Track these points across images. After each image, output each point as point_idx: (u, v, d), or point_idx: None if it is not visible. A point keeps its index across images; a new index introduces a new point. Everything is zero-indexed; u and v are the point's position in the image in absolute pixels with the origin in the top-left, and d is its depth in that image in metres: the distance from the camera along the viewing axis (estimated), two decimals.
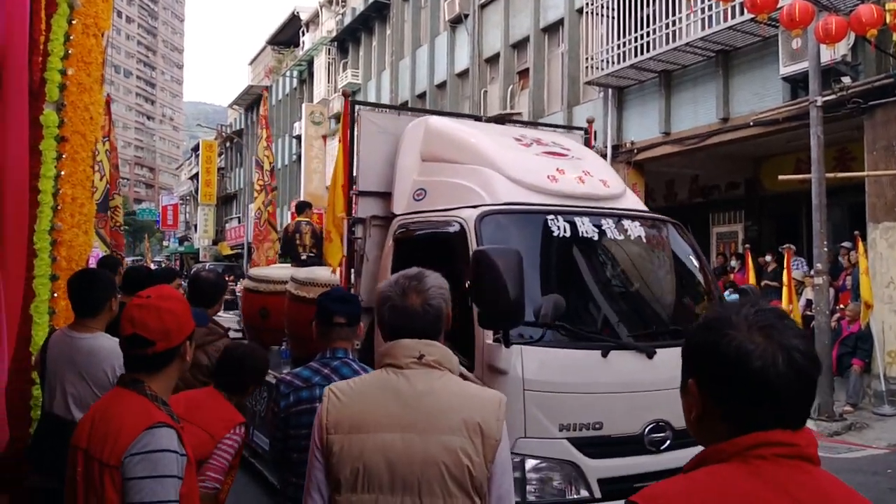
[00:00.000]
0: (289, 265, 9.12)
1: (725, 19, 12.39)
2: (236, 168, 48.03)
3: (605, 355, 3.97)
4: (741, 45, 12.90)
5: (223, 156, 50.46)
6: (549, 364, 3.91)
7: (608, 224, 4.55)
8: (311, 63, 34.92)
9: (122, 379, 2.27)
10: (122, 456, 2.03)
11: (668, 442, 4.03)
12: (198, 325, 2.38)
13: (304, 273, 6.51)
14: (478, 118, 7.99)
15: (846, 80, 10.73)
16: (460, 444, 1.98)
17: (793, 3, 9.15)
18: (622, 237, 4.58)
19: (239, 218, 46.04)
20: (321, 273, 6.32)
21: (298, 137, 33.43)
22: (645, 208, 5.33)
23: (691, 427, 1.39)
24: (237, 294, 32.47)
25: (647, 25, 14.07)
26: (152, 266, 28.83)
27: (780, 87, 12.20)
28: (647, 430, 3.99)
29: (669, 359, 3.94)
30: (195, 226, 53.64)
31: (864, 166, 11.04)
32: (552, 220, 4.39)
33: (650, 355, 4.05)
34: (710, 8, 12.74)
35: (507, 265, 3.59)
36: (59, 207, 4.22)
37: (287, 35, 41.21)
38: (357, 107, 5.75)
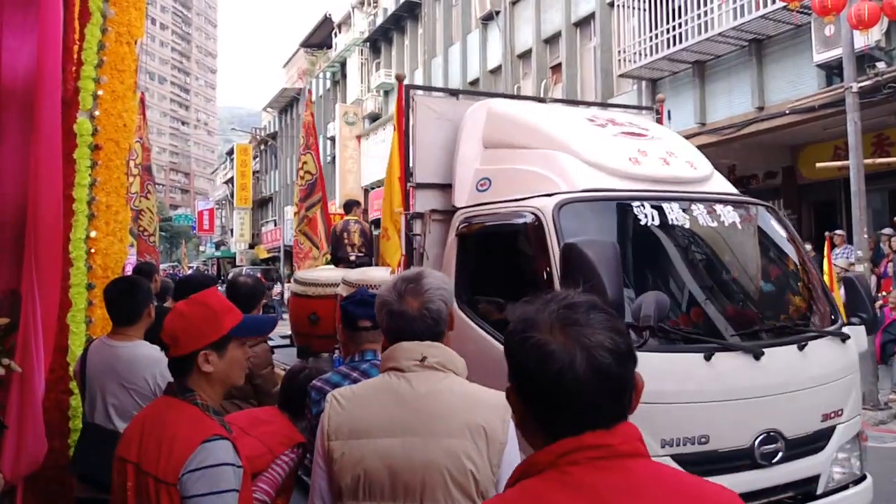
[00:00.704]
0: (331, 267, 8.78)
1: (757, 8, 12.50)
2: (271, 171, 48.47)
3: (708, 358, 3.47)
4: (774, 34, 12.87)
5: (258, 159, 50.95)
6: (647, 371, 3.32)
7: (699, 210, 4.07)
8: (343, 64, 35.06)
9: (169, 387, 2.19)
10: (180, 472, 1.95)
11: (781, 454, 3.55)
12: (261, 333, 2.27)
13: (356, 274, 6.05)
14: (541, 100, 7.27)
15: (881, 65, 10.83)
16: (463, 448, 1.90)
17: None
18: (715, 224, 4.10)
19: (275, 221, 46.49)
20: (375, 274, 5.84)
21: (333, 139, 33.58)
22: (735, 191, 4.81)
23: (523, 436, 1.33)
24: (273, 298, 32.82)
25: (679, 17, 14.05)
26: (188, 272, 29.28)
27: (814, 74, 12.21)
28: (757, 441, 3.51)
29: (778, 359, 3.60)
30: (231, 230, 54.30)
31: None
32: (638, 207, 3.92)
33: (757, 356, 3.55)
34: None
35: (602, 260, 3.17)
36: (94, 215, 4.25)
37: (320, 37, 41.44)
38: (412, 92, 5.18)
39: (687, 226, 4.02)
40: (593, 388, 1.18)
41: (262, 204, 50.13)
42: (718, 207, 4.18)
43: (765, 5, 12.13)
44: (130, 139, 4.71)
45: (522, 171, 4.44)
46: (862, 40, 10.06)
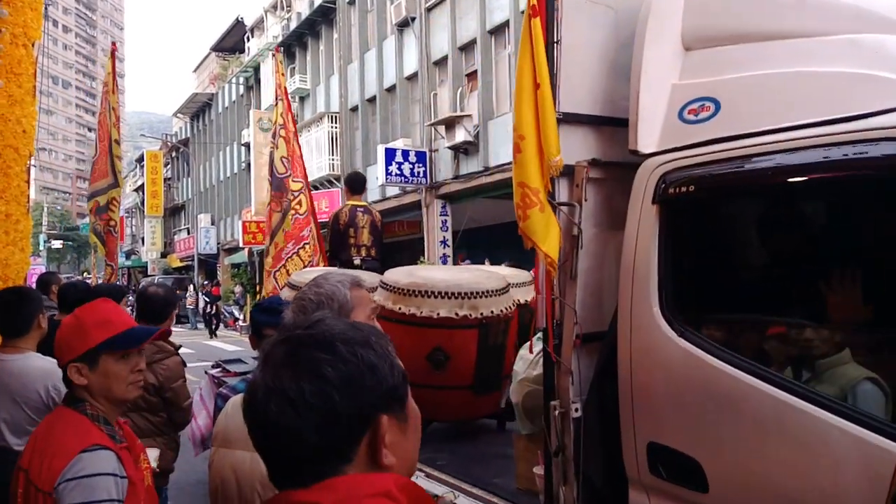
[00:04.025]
0: (319, 268, 6.99)
1: None
2: (183, 178, 47.27)
3: None
4: None
5: (169, 166, 49.57)
6: None
7: None
8: (257, 69, 34.51)
9: (64, 397, 2.19)
10: (57, 481, 1.94)
11: None
12: (133, 345, 2.21)
13: (403, 277, 4.37)
14: None
15: None
16: None
17: None
18: None
19: (188, 229, 45.33)
20: (434, 274, 4.41)
21: (247, 145, 33.00)
22: None
23: None
24: (188, 308, 31.86)
25: None
26: (98, 282, 28.20)
27: None
28: None
29: None
30: (142, 238, 52.60)
31: None
32: None
33: None
34: None
35: None
36: None
37: (232, 41, 40.73)
38: None
39: None
40: (267, 439, 1.07)
41: (174, 212, 48.78)
42: None
43: None
44: (30, 145, 4.52)
45: (806, 75, 2.50)
46: None
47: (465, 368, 4.25)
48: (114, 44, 7.30)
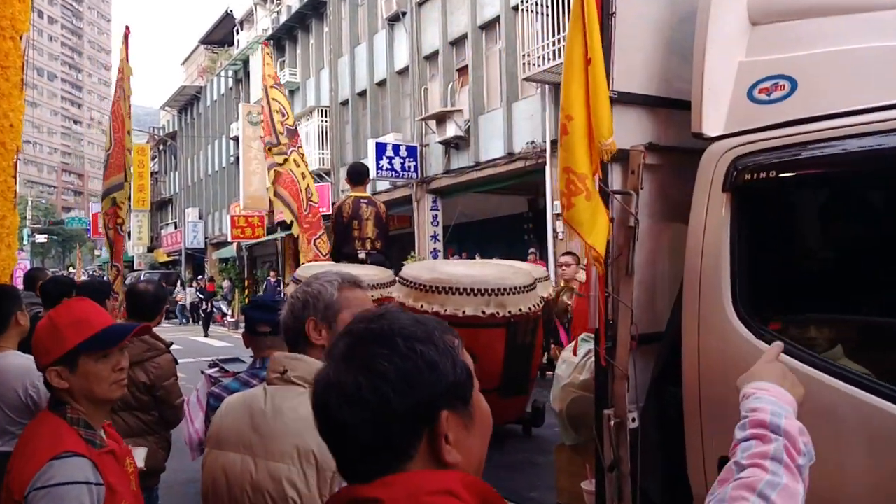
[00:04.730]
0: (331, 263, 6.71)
1: None
2: (171, 172, 46.96)
3: None
4: None
5: (156, 159, 49.26)
6: None
7: None
8: (246, 62, 34.28)
9: (48, 400, 2.15)
10: (27, 490, 1.89)
11: None
12: (111, 344, 2.14)
13: (425, 272, 4.12)
14: None
15: None
16: (286, 474, 1.78)
17: None
18: None
19: (175, 223, 45.05)
20: (457, 270, 4.13)
21: (236, 139, 32.79)
22: None
23: None
24: (177, 304, 31.57)
25: None
26: (83, 277, 27.94)
27: None
28: None
29: None
30: (129, 233, 52.29)
31: None
32: None
33: None
34: None
35: None
36: None
37: (221, 34, 40.43)
38: None
39: None
40: (327, 432, 1.08)
41: (161, 206, 48.46)
42: None
43: None
44: (18, 140, 4.43)
45: (893, 51, 2.31)
46: None
47: (492, 370, 3.96)
48: (127, 27, 6.55)
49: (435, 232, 20.86)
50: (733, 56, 2.67)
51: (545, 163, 16.12)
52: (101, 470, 2.00)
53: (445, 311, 3.89)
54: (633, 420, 2.58)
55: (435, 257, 19.44)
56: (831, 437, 2.04)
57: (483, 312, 3.83)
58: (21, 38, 4.35)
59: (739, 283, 2.41)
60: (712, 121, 2.62)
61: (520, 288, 3.96)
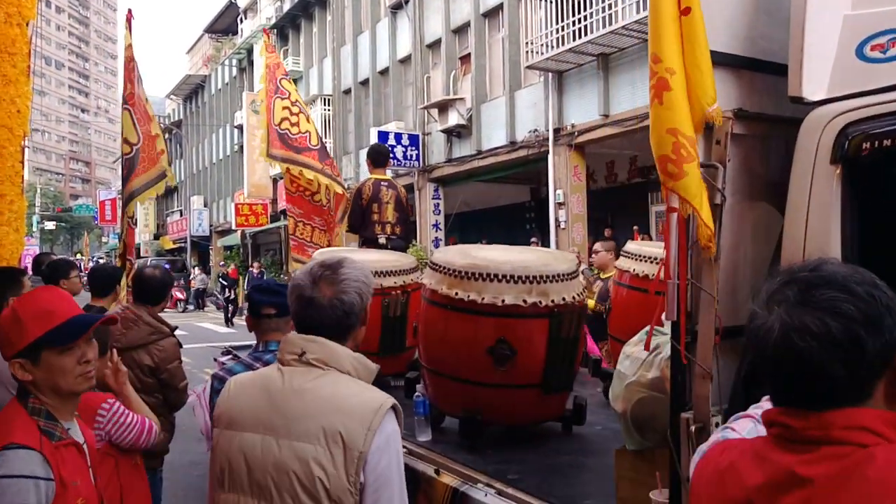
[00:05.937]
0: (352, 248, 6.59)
1: None
2: (176, 160, 47.01)
3: None
4: None
5: None
6: None
7: None
8: (250, 51, 34.28)
9: (17, 389, 2.10)
10: None
11: None
12: (74, 337, 2.09)
13: (458, 257, 3.78)
14: None
15: None
16: (313, 454, 1.78)
17: None
18: None
19: (181, 211, 45.18)
20: (494, 255, 3.82)
21: (240, 127, 32.85)
22: None
23: None
24: (193, 289, 31.22)
25: (584, 9, 14.29)
26: (91, 264, 28.03)
27: None
28: None
29: None
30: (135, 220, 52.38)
31: None
32: None
33: None
34: None
35: None
36: None
37: (225, 23, 40.42)
38: None
39: None
40: (786, 369, 1.14)
41: (166, 194, 48.54)
42: None
43: None
44: (25, 125, 4.52)
45: None
46: None
47: (533, 364, 3.63)
48: (129, 11, 6.19)
49: (436, 221, 20.89)
50: (837, 9, 2.31)
51: (548, 151, 16.14)
52: (55, 464, 1.94)
53: (483, 299, 3.49)
54: (716, 425, 2.24)
55: (437, 246, 19.49)
56: None
57: (524, 301, 3.45)
58: (28, 24, 4.45)
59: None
60: (814, 83, 2.27)
61: (564, 275, 3.58)
